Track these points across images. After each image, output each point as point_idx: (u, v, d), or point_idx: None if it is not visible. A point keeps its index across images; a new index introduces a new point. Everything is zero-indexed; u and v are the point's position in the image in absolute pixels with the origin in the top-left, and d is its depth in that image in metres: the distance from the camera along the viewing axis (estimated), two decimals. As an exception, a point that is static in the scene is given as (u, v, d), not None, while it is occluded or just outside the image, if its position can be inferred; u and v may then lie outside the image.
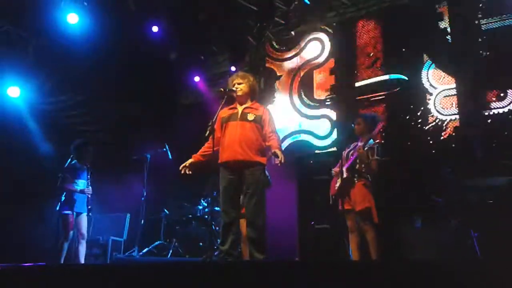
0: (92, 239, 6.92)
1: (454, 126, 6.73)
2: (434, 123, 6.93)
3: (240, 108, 4.43)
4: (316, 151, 7.85)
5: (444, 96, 7.06)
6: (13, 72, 6.95)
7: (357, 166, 4.90)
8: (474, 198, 5.22)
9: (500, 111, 6.44)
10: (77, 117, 7.31)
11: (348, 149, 5.14)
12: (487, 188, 5.26)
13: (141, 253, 6.80)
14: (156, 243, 7.22)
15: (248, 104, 4.46)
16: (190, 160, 4.48)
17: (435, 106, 7.07)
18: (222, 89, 4.49)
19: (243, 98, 4.46)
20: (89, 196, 5.91)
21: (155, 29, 8.33)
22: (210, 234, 6.88)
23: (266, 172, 5.01)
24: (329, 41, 8.45)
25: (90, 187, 5.94)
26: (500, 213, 4.94)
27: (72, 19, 6.99)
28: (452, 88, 6.99)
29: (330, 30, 8.43)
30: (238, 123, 4.32)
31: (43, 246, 6.37)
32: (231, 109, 4.47)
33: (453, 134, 6.64)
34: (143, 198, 6.96)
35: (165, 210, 7.76)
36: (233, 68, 8.78)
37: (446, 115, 6.96)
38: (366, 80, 7.80)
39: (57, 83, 7.19)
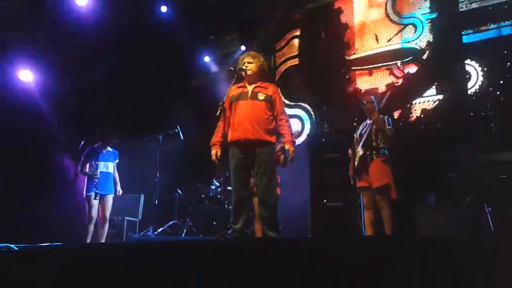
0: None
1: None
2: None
3: (250, 87, 4.41)
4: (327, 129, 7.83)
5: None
6: (24, 56, 6.96)
7: (374, 142, 4.87)
8: (487, 173, 5.18)
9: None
10: (88, 99, 7.33)
11: (359, 130, 5.11)
12: (501, 163, 5.21)
13: (156, 232, 6.89)
14: (170, 222, 7.30)
15: (258, 83, 4.44)
16: (218, 151, 4.39)
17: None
18: (231, 68, 4.47)
19: (252, 77, 4.43)
20: (96, 180, 6.01)
21: (163, 9, 8.29)
22: (223, 213, 6.94)
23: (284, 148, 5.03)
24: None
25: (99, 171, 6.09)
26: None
27: (81, 1, 7.00)
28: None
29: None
30: (248, 102, 4.30)
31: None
32: (241, 88, 4.44)
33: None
34: (156, 179, 7.01)
35: (178, 190, 7.82)
36: (243, 48, 8.73)
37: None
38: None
39: (68, 66, 7.19)
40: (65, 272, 2.61)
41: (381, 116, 4.95)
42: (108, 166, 6.29)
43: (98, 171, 6.06)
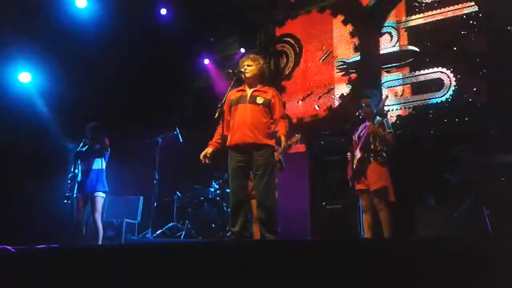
0: (106, 221, 7.02)
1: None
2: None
3: (249, 91, 4.40)
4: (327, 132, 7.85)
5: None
6: (24, 58, 6.97)
7: (372, 145, 4.87)
8: (486, 175, 5.18)
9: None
10: (87, 101, 7.32)
11: (358, 132, 5.11)
12: (500, 165, 5.21)
13: (154, 234, 6.89)
14: (169, 224, 7.30)
15: (257, 86, 4.43)
16: (209, 149, 4.44)
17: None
18: (230, 71, 4.46)
19: (252, 80, 4.43)
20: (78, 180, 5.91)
21: (163, 11, 8.30)
22: (222, 216, 6.93)
23: (280, 157, 5.03)
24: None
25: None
26: (512, 190, 4.90)
27: (81, 3, 7.02)
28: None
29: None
30: (247, 106, 4.30)
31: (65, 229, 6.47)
32: (240, 91, 4.44)
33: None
34: (155, 181, 7.01)
35: (178, 192, 7.82)
36: (242, 50, 8.74)
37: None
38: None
39: (67, 68, 7.19)
40: (63, 273, 2.60)
41: (380, 119, 4.95)
42: (93, 163, 5.98)
43: (79, 170, 5.95)
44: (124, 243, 6.81)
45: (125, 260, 2.65)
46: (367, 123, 4.95)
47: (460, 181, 5.49)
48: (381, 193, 4.71)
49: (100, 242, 5.90)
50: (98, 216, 5.91)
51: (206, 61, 9.31)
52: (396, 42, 7.51)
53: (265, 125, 4.28)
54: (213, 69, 9.30)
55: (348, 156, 5.20)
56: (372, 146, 4.87)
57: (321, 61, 8.42)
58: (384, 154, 4.87)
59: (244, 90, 4.44)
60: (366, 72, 7.72)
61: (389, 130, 4.88)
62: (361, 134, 5.00)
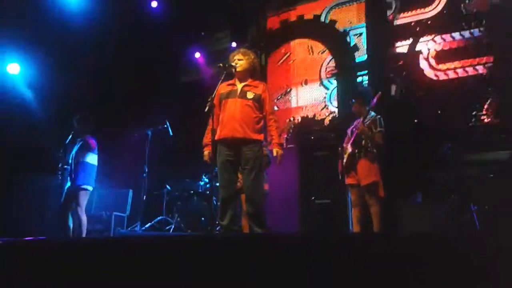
0: (95, 214, 7.02)
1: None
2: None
3: (239, 85, 4.40)
4: (316, 127, 7.89)
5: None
6: (13, 49, 6.91)
7: (363, 142, 4.90)
8: (474, 173, 5.22)
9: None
10: (77, 93, 7.27)
11: (352, 126, 5.14)
12: (488, 162, 5.26)
13: (143, 228, 6.88)
14: (158, 218, 7.29)
15: (248, 81, 4.43)
16: (208, 151, 4.39)
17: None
18: (221, 64, 4.45)
19: (242, 74, 4.42)
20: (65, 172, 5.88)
21: (154, 4, 8.25)
22: (211, 210, 6.94)
23: (267, 151, 5.04)
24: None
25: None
26: (500, 187, 4.95)
27: (71, -6, 6.98)
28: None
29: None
30: (237, 100, 4.30)
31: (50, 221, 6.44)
32: (230, 85, 4.43)
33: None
34: (144, 175, 6.99)
35: (167, 186, 7.80)
36: (234, 45, 8.72)
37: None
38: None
39: (56, 59, 7.14)
40: (51, 266, 2.59)
41: (373, 115, 4.97)
42: (79, 156, 5.92)
43: (64, 163, 5.91)
44: (113, 236, 6.79)
45: (114, 253, 2.64)
46: (359, 120, 4.98)
47: (447, 178, 5.54)
48: (372, 188, 4.75)
49: (84, 234, 5.86)
50: (80, 210, 5.85)
51: (197, 55, 9.28)
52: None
53: (255, 120, 4.28)
54: (204, 63, 9.29)
55: (340, 150, 5.23)
56: (362, 142, 4.90)
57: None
58: (375, 150, 4.89)
59: (234, 85, 4.43)
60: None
61: (380, 128, 4.89)
62: (354, 129, 5.02)
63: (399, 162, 5.94)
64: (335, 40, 8.03)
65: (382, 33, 7.48)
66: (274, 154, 4.35)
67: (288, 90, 8.39)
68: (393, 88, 7.06)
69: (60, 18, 6.98)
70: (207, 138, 4.43)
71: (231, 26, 9.18)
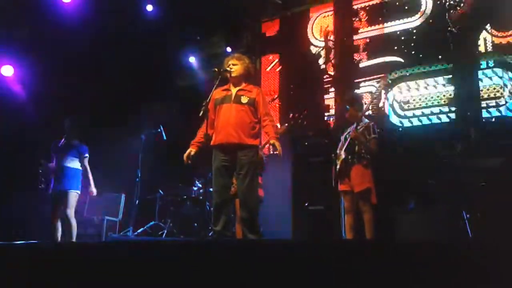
0: (87, 219, 6.97)
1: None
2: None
3: (233, 90, 4.39)
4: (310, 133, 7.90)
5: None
6: (7, 51, 6.87)
7: (356, 148, 4.89)
8: (466, 180, 5.24)
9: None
10: (71, 97, 7.24)
11: (345, 133, 5.14)
12: (480, 170, 5.28)
13: (136, 233, 6.84)
14: (151, 223, 7.26)
15: (242, 86, 4.42)
16: (192, 150, 4.40)
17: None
18: (216, 69, 4.45)
19: (237, 79, 4.42)
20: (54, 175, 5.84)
21: (149, 8, 8.24)
22: (204, 215, 6.92)
23: (262, 155, 5.03)
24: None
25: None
26: (493, 194, 4.96)
27: (66, -2, 6.96)
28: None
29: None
30: (232, 106, 4.29)
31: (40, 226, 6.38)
32: (225, 91, 4.43)
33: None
34: (137, 179, 6.96)
35: (160, 190, 7.77)
36: (228, 49, 8.72)
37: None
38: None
39: (51, 63, 7.11)
40: (41, 270, 2.57)
41: (367, 122, 4.98)
42: (69, 161, 5.90)
43: (52, 166, 5.87)
44: (105, 240, 6.75)
45: (106, 258, 2.62)
46: (353, 127, 4.98)
47: (440, 185, 5.55)
48: (366, 195, 4.74)
49: (74, 238, 5.81)
50: (70, 212, 5.80)
51: (192, 59, 9.28)
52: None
53: (250, 125, 4.28)
54: (199, 68, 9.29)
55: (333, 157, 5.22)
56: (356, 149, 4.90)
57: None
58: (368, 156, 4.90)
59: (229, 90, 4.42)
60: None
61: (374, 135, 4.89)
62: (347, 136, 5.03)
63: (394, 169, 5.95)
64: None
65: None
66: (271, 142, 4.31)
67: (275, 97, 8.48)
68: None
69: (55, 21, 6.95)
70: (195, 139, 4.44)
71: (226, 31, 9.19)
